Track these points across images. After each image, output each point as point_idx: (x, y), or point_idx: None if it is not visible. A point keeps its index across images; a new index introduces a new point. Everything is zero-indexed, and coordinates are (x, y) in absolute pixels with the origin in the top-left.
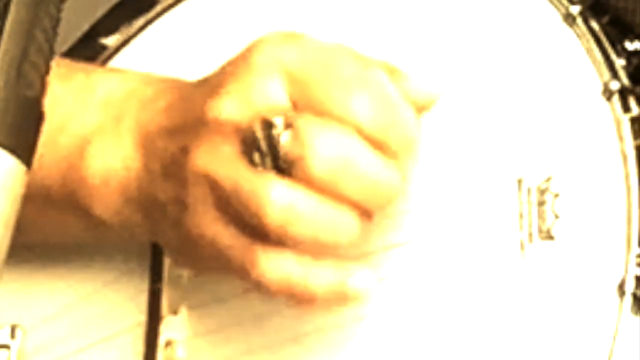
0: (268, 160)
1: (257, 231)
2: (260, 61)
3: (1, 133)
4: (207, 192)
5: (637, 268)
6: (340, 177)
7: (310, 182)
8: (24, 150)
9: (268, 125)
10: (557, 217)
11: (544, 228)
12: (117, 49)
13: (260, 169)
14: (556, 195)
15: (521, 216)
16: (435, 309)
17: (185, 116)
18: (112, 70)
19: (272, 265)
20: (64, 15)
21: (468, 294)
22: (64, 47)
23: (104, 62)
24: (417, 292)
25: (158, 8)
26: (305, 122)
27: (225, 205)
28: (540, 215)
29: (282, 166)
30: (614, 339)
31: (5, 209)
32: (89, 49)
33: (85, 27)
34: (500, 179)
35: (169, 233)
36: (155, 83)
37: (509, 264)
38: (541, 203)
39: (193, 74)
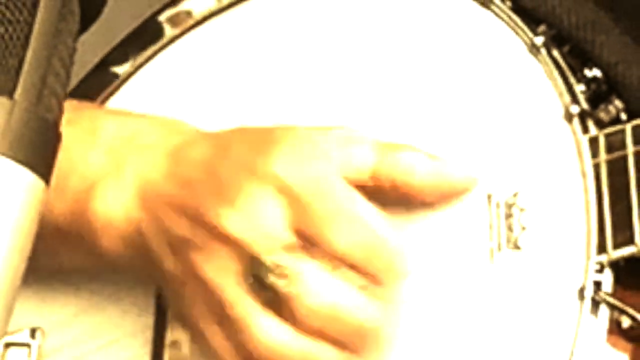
0: (262, 294)
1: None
2: (267, 180)
3: (23, 152)
4: (205, 294)
5: (596, 274)
6: (327, 322)
7: (300, 318)
8: (43, 168)
9: (265, 267)
10: (523, 228)
11: (512, 239)
12: (127, 77)
13: (258, 295)
14: (522, 210)
15: (491, 228)
16: (414, 310)
17: (189, 203)
18: (115, 113)
19: None
20: (79, 46)
21: (443, 297)
22: (80, 76)
23: (115, 89)
24: (402, 294)
25: (165, 39)
26: (300, 266)
27: (219, 312)
28: (508, 227)
29: (274, 303)
30: (575, 338)
31: (26, 221)
32: (101, 77)
33: (99, 57)
34: (472, 195)
35: (165, 292)
36: (153, 131)
37: (480, 270)
38: (509, 216)
39: (196, 102)
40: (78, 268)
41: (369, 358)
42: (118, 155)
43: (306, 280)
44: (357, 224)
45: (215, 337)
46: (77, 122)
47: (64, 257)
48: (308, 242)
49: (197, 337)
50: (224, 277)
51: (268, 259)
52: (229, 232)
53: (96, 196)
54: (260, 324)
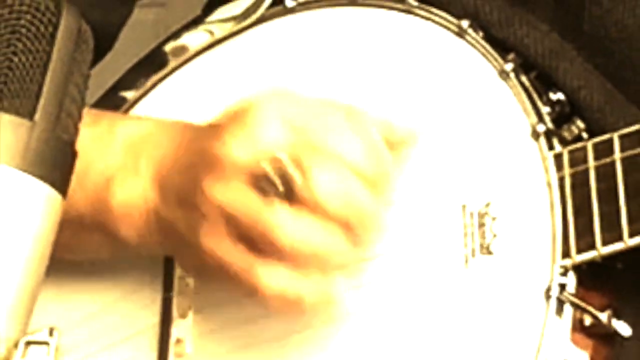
0: (277, 191)
1: (260, 249)
2: (261, 111)
3: (41, 168)
4: (219, 218)
5: (561, 277)
6: (338, 204)
7: (313, 208)
8: (61, 183)
9: (277, 161)
10: (495, 236)
11: (484, 245)
12: (135, 101)
13: (270, 198)
14: (494, 218)
15: (465, 235)
16: (399, 310)
17: (193, 155)
18: (131, 117)
19: (271, 280)
20: (93, 72)
21: (424, 299)
22: (93, 99)
23: (125, 112)
24: (386, 296)
25: (169, 67)
26: (308, 158)
27: (236, 229)
28: (481, 235)
29: (290, 195)
30: (542, 335)
31: (45, 231)
32: (112, 101)
33: (110, 83)
34: (449, 206)
35: (184, 251)
36: (165, 127)
37: (456, 274)
38: (481, 225)
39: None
40: (95, 259)
41: (365, 239)
42: (134, 150)
43: (317, 171)
44: (361, 136)
45: (240, 257)
46: (97, 124)
47: (83, 247)
48: (310, 151)
49: (220, 274)
50: (235, 193)
51: (281, 160)
52: (228, 154)
53: (115, 187)
54: (281, 221)
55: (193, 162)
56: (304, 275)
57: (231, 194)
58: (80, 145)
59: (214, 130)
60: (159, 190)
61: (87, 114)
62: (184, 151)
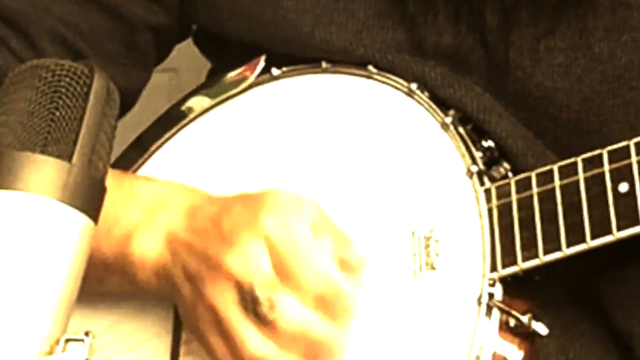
0: (251, 315)
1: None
2: (257, 233)
3: (78, 201)
4: (210, 315)
5: (489, 287)
6: (298, 337)
7: (277, 335)
8: (93, 212)
9: (256, 298)
10: (437, 255)
11: (429, 263)
12: (155, 150)
13: (248, 316)
14: (437, 241)
15: (414, 255)
16: (360, 314)
17: (200, 247)
18: (149, 180)
19: None
20: (122, 125)
21: (381, 305)
22: (121, 147)
23: (146, 160)
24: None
25: (189, 118)
26: (279, 298)
27: (221, 329)
28: (427, 254)
29: (261, 322)
30: (475, 332)
31: (81, 250)
32: (139, 150)
33: (130, 135)
34: (401, 231)
35: (182, 312)
36: (178, 193)
37: (407, 286)
38: (427, 246)
39: (205, 170)
40: (116, 292)
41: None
42: (151, 210)
43: (283, 307)
44: (320, 272)
45: (218, 345)
46: (121, 187)
47: (107, 283)
48: (285, 280)
49: (204, 346)
50: (224, 300)
51: (257, 291)
52: (229, 269)
53: (134, 241)
54: (250, 337)
55: (199, 253)
56: None
57: (222, 301)
58: (109, 204)
59: (221, 233)
60: (170, 255)
61: (112, 176)
62: (192, 232)
